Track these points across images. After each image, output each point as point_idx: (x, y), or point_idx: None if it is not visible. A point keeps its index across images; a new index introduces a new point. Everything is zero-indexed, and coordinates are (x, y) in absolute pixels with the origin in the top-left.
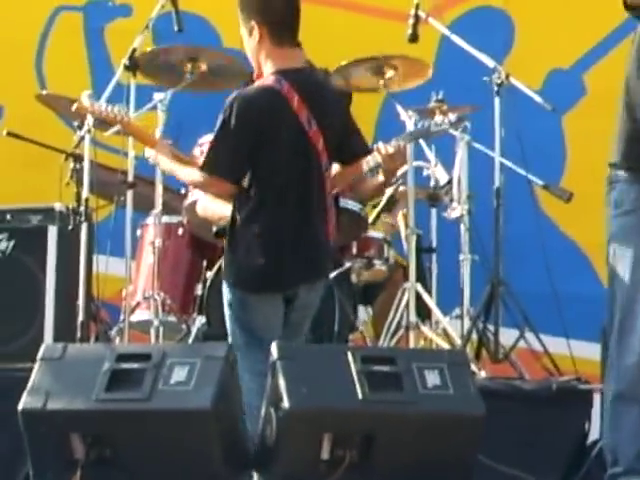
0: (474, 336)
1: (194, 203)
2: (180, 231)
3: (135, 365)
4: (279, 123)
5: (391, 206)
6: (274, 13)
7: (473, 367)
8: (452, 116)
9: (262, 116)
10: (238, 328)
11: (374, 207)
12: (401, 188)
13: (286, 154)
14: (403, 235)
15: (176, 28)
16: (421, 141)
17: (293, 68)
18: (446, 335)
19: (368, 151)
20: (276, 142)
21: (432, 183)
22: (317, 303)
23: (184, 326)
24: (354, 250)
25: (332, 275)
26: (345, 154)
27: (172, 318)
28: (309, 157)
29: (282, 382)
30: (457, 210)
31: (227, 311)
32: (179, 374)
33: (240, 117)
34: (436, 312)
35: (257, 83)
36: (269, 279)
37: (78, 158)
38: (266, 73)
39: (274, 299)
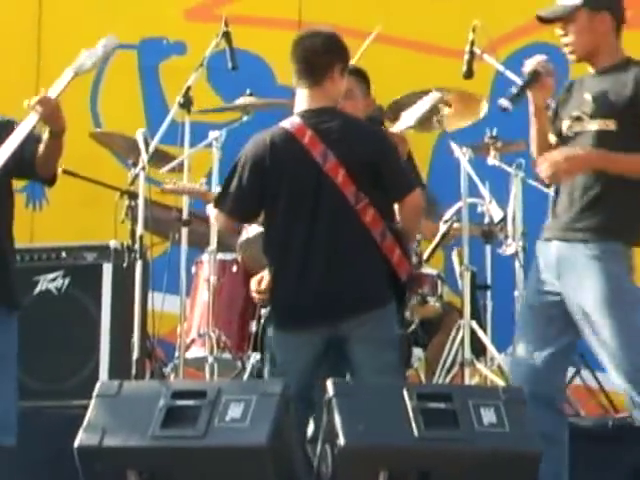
0: None
1: (248, 240)
2: (234, 268)
3: (190, 402)
4: (285, 158)
5: (445, 242)
6: (294, 59)
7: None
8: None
9: (266, 151)
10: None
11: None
12: (455, 225)
13: (291, 188)
14: (457, 272)
15: (230, 66)
16: (475, 178)
17: (311, 109)
18: (501, 372)
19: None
20: (282, 178)
21: (486, 220)
22: (379, 334)
23: (239, 363)
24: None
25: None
26: (390, 192)
27: (227, 355)
28: (321, 192)
29: (338, 419)
30: (512, 247)
31: None
32: (234, 411)
33: (247, 154)
34: (491, 349)
35: None
36: (283, 317)
37: (133, 196)
38: None
39: (296, 337)
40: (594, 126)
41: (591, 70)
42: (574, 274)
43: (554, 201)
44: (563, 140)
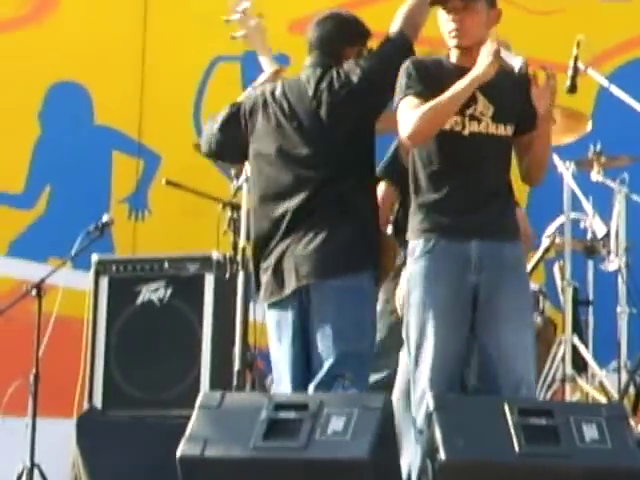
0: (631, 389)
1: None
2: None
3: (292, 414)
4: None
5: (547, 257)
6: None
7: (631, 421)
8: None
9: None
10: None
11: None
12: (557, 239)
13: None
14: (559, 287)
15: None
16: (578, 193)
17: None
18: (603, 388)
19: None
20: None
21: (589, 235)
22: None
23: None
24: None
25: None
26: None
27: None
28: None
29: (439, 433)
30: (614, 262)
31: None
32: (336, 424)
33: None
34: (592, 365)
35: None
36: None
37: (235, 207)
38: None
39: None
40: None
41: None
42: None
43: None
44: None
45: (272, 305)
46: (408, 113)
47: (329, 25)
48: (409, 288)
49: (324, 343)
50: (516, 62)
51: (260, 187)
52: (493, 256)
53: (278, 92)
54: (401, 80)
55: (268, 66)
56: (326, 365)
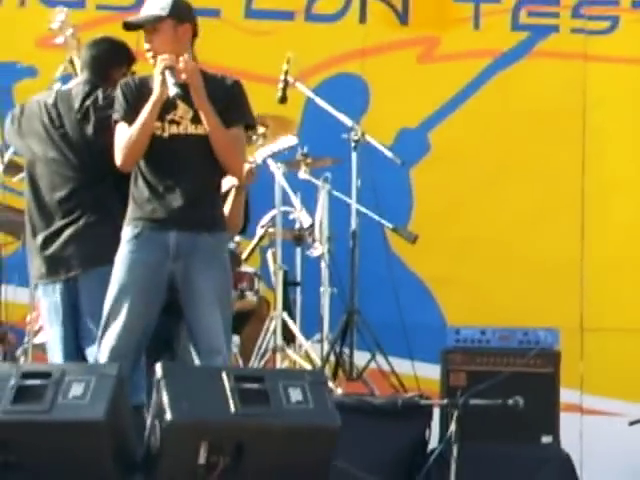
0: (332, 358)
1: None
2: None
3: (38, 382)
4: None
5: (261, 245)
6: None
7: (331, 385)
8: None
9: None
10: None
11: None
12: (270, 229)
13: None
14: (272, 270)
15: None
16: (288, 189)
17: None
18: (308, 357)
19: None
20: None
21: (297, 226)
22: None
23: None
24: None
25: None
26: None
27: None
28: None
29: (165, 398)
30: (319, 249)
31: None
32: (76, 390)
33: None
34: (299, 337)
35: None
36: None
37: None
38: None
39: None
40: None
41: None
42: None
43: None
44: None
45: (43, 291)
46: (117, 142)
47: (100, 47)
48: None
49: (93, 323)
50: (171, 90)
51: (33, 183)
52: (189, 245)
53: (51, 101)
54: (115, 101)
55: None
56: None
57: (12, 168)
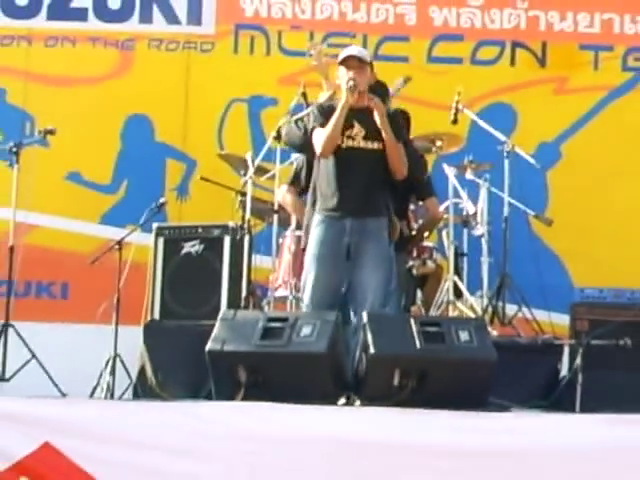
0: (490, 309)
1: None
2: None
3: (279, 324)
4: None
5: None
6: None
7: (489, 329)
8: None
9: None
10: None
11: None
12: (445, 216)
13: None
14: (446, 245)
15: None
16: (458, 186)
17: None
18: (472, 309)
19: None
20: None
21: (464, 212)
22: None
23: None
24: (415, 254)
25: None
26: None
27: (300, 294)
28: None
29: (369, 337)
30: (480, 230)
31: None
32: (306, 330)
33: None
34: (466, 294)
35: None
36: None
37: (244, 194)
38: None
39: None
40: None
41: None
42: None
43: None
44: None
45: None
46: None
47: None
48: None
49: None
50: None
51: None
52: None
53: None
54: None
55: (326, 89)
56: None
57: (260, 171)
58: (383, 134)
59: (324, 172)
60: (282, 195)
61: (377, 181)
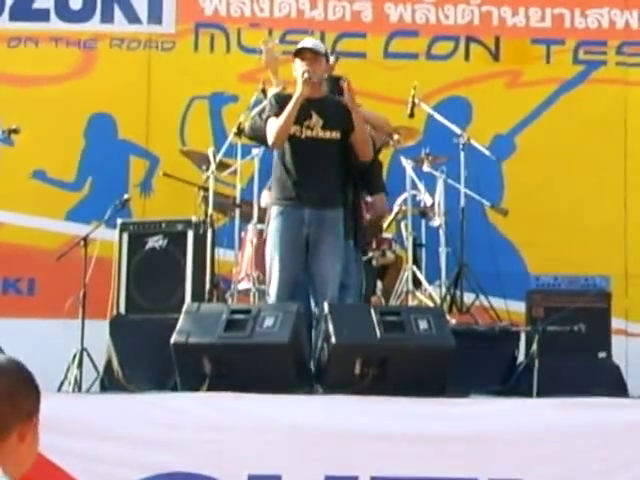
0: (448, 298)
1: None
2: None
3: (242, 316)
4: None
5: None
6: None
7: (448, 317)
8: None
9: None
10: None
11: None
12: (403, 207)
13: None
14: (404, 236)
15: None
16: (415, 179)
17: None
18: (431, 298)
19: None
20: None
21: (422, 204)
22: None
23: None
24: (374, 245)
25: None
26: None
27: (263, 287)
28: None
29: (331, 327)
30: (438, 221)
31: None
32: (268, 322)
33: None
34: (424, 283)
35: None
36: None
37: (206, 189)
38: None
39: None
40: None
41: None
42: None
43: None
44: None
45: None
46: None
47: None
48: None
49: None
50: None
51: None
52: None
53: None
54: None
55: (275, 84)
56: None
57: (221, 166)
58: (353, 115)
59: (283, 162)
60: (266, 201)
61: (336, 171)
